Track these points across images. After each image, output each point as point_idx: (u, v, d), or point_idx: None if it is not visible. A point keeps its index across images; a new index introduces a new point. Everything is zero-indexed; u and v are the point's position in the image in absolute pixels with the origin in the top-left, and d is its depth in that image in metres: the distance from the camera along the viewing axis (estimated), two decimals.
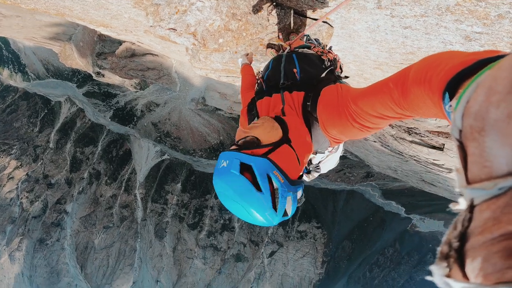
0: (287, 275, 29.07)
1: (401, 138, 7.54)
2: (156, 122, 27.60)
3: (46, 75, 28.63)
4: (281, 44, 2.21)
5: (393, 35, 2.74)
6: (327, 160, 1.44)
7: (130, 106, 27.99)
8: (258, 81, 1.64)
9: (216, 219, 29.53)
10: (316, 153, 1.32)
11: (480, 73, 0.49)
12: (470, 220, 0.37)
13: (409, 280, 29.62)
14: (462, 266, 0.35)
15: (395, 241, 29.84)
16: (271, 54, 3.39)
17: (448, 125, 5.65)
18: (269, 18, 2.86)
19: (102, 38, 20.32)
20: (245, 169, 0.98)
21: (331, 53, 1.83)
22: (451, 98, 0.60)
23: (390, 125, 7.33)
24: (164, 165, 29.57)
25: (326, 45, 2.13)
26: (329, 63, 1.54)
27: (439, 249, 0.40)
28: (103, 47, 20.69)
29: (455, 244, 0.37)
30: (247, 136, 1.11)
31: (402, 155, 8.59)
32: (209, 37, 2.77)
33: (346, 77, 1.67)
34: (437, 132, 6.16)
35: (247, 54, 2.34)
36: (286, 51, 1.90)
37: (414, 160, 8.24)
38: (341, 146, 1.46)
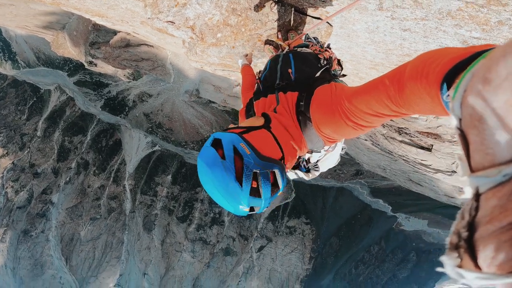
0: (275, 270, 29.41)
1: (391, 138, 7.65)
2: (148, 113, 27.24)
3: (37, 63, 27.90)
4: (280, 44, 2.20)
5: (392, 36, 2.76)
6: (325, 158, 1.45)
7: (122, 96, 27.50)
8: (257, 82, 1.64)
9: (206, 213, 29.51)
10: (312, 152, 1.32)
11: (474, 63, 0.50)
12: (477, 209, 0.37)
13: (392, 278, 30.38)
14: (473, 256, 0.35)
15: (380, 239, 30.44)
16: (268, 50, 3.37)
17: (438, 126, 5.77)
18: (269, 14, 2.84)
19: (97, 27, 19.91)
20: (218, 144, 1.02)
21: (328, 51, 1.83)
22: (448, 89, 0.61)
23: (381, 124, 7.43)
24: (155, 156, 29.28)
25: (324, 43, 2.12)
26: (325, 62, 1.53)
27: (447, 239, 0.40)
28: (97, 36, 20.27)
29: (464, 234, 0.37)
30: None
31: (392, 154, 8.73)
32: (208, 31, 2.73)
33: (344, 75, 1.68)
34: (427, 133, 6.28)
35: (247, 55, 2.33)
36: (285, 51, 1.90)
37: (403, 159, 8.39)
38: (339, 144, 1.47)
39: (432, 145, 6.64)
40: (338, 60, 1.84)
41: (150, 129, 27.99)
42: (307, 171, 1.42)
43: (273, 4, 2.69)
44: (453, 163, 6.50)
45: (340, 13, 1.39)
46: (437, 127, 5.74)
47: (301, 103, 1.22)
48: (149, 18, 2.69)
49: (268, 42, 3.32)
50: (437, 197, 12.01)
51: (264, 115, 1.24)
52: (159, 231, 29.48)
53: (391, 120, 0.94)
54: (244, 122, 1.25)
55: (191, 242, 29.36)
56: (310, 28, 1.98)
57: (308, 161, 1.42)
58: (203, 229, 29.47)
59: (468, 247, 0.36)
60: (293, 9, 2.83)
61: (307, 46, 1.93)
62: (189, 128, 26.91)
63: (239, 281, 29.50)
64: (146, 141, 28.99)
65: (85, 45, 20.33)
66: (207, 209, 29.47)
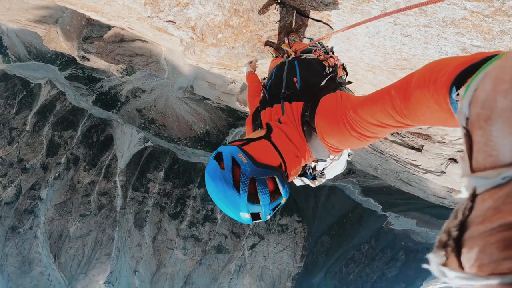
0: (267, 267, 29.55)
1: (383, 138, 7.77)
2: (141, 109, 26.89)
3: (28, 58, 27.31)
4: (286, 50, 2.19)
5: (392, 41, 2.78)
6: (331, 166, 1.46)
7: (115, 91, 27.06)
8: (262, 90, 1.64)
9: (198, 210, 29.38)
10: (318, 161, 1.33)
11: (488, 63, 0.50)
12: (471, 209, 0.37)
13: (382, 277, 30.90)
14: (459, 256, 0.35)
15: (371, 237, 30.87)
16: (268, 52, 3.36)
17: (428, 127, 5.86)
18: (271, 16, 2.83)
19: (91, 22, 19.53)
20: (219, 157, 1.07)
21: (333, 57, 1.83)
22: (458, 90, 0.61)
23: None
24: (147, 152, 28.93)
25: (328, 46, 2.13)
26: (330, 70, 1.53)
27: (437, 237, 0.40)
28: (90, 31, 19.88)
29: (454, 233, 0.37)
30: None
31: (383, 154, 8.85)
32: (209, 32, 2.71)
33: (349, 82, 1.68)
34: (418, 133, 6.38)
35: (251, 62, 2.34)
36: (291, 57, 1.89)
37: (394, 159, 8.51)
38: (345, 152, 1.48)
39: (423, 146, 6.76)
40: (343, 65, 1.84)
41: (142, 125, 27.64)
42: (313, 178, 1.43)
43: (277, 6, 2.68)
44: (442, 164, 6.62)
45: (355, 27, 1.40)
46: (428, 128, 5.84)
47: (306, 113, 1.22)
48: (148, 16, 2.64)
49: (268, 43, 3.30)
50: (426, 197, 12.24)
51: (267, 125, 1.27)
52: (150, 228, 29.23)
53: (399, 129, 0.96)
54: (248, 135, 1.30)
55: (183, 239, 29.22)
56: (323, 37, 1.98)
57: (314, 168, 1.43)
58: (195, 226, 29.34)
59: (456, 246, 0.36)
60: (295, 11, 2.83)
61: (311, 51, 1.93)
62: (182, 124, 26.69)
63: (231, 278, 29.55)
64: (138, 137, 28.63)
65: (78, 39, 19.94)
66: (199, 206, 29.35)
